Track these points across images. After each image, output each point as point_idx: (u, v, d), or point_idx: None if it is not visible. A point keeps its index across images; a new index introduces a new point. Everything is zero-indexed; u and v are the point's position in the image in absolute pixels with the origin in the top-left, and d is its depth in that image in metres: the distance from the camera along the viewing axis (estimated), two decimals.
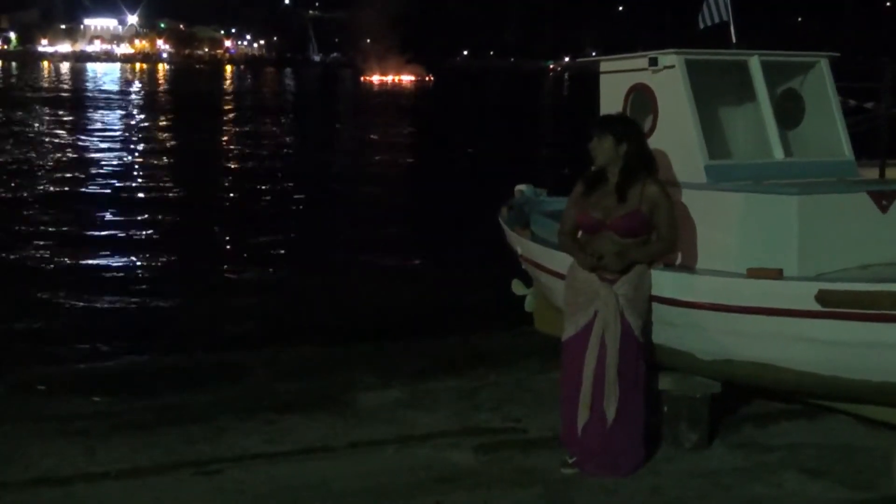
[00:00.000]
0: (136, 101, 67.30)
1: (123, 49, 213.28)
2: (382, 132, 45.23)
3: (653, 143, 6.42)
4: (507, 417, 6.98)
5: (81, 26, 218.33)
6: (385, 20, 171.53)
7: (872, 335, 5.47)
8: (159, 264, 15.57)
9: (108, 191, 23.92)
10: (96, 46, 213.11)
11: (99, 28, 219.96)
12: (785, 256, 5.88)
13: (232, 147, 36.80)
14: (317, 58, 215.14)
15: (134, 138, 38.68)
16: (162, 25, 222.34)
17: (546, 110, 70.51)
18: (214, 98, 73.08)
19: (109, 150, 33.50)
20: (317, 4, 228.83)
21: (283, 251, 17.16)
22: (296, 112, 59.90)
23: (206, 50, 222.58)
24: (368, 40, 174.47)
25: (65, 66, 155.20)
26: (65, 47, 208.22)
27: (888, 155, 6.88)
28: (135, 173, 27.57)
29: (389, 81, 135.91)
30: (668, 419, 6.33)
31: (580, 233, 6.07)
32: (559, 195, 8.80)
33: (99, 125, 44.61)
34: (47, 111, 52.38)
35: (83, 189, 24.02)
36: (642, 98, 6.88)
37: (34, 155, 31.26)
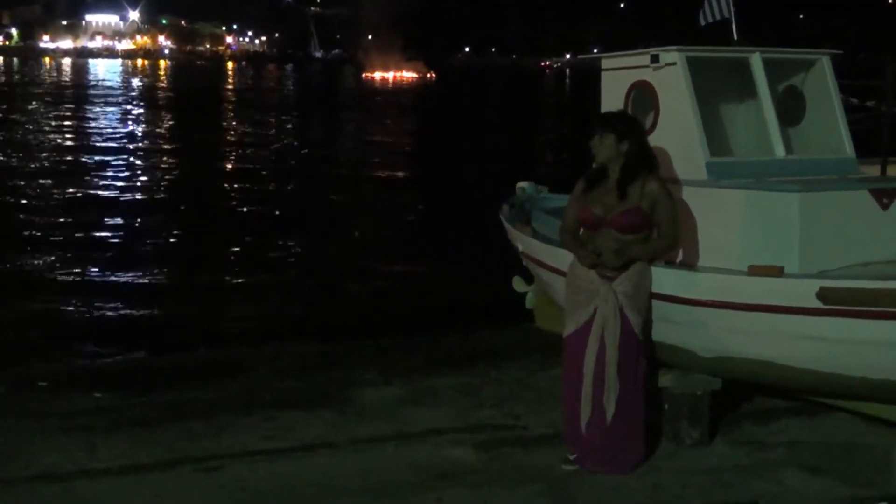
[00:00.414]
0: (136, 98, 67.29)
1: (125, 45, 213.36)
2: (383, 130, 45.22)
3: (654, 140, 6.42)
4: (508, 414, 6.98)
5: (83, 22, 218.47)
6: (387, 17, 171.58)
7: (873, 333, 5.47)
8: (160, 262, 15.57)
9: (109, 189, 23.92)
10: (98, 43, 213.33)
11: (100, 24, 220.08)
12: (786, 254, 5.88)
13: (233, 145, 36.78)
14: (318, 54, 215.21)
15: (134, 137, 38.69)
16: (163, 21, 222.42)
17: (547, 107, 70.46)
18: (216, 95, 73.06)
19: (110, 148, 33.49)
20: (318, 1, 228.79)
21: (283, 249, 17.17)
22: (297, 110, 59.90)
23: (208, 46, 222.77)
24: (370, 37, 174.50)
25: (66, 63, 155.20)
26: (66, 43, 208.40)
27: (889, 152, 6.88)
28: (135, 172, 27.57)
29: (391, 78, 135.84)
30: (669, 416, 6.33)
31: (581, 230, 6.07)
32: (560, 192, 8.81)
33: (99, 123, 44.62)
34: (47, 108, 52.36)
35: (84, 188, 24.02)
36: (643, 95, 6.87)
37: (34, 152, 31.31)
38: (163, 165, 29.21)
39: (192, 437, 6.47)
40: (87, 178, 25.71)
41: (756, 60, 6.82)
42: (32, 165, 27.89)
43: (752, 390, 6.86)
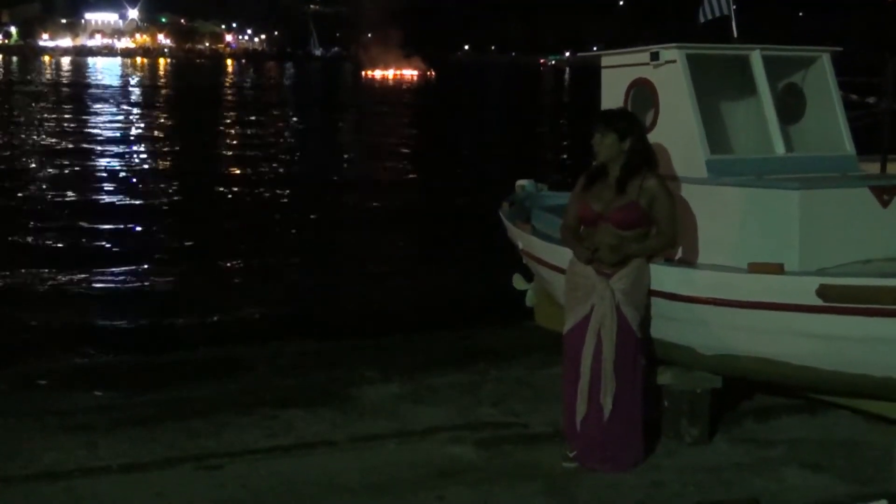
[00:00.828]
0: (136, 97, 67.26)
1: (124, 43, 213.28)
2: (383, 128, 45.20)
3: (654, 137, 6.42)
4: (508, 412, 6.98)
5: (82, 21, 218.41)
6: (386, 15, 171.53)
7: (874, 330, 5.47)
8: (160, 261, 15.55)
9: (109, 189, 23.88)
10: (97, 41, 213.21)
11: (100, 22, 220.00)
12: (786, 251, 5.88)
13: (233, 144, 36.74)
14: (318, 52, 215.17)
15: (133, 136, 38.64)
16: (163, 20, 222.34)
17: (546, 105, 70.45)
18: (215, 94, 73.06)
19: (109, 148, 33.43)
20: None
21: (283, 247, 17.15)
22: (296, 108, 59.85)
23: (207, 44, 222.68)
24: (369, 35, 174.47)
25: (66, 61, 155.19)
26: (65, 42, 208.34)
27: (889, 150, 6.88)
28: (135, 171, 27.52)
29: (391, 76, 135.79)
30: (669, 414, 6.33)
31: (581, 227, 6.08)
32: (560, 190, 8.82)
33: (98, 122, 44.56)
34: (46, 107, 52.37)
35: (83, 187, 23.96)
36: (643, 93, 6.87)
37: (34, 152, 31.27)
38: (162, 165, 29.19)
39: (193, 436, 6.48)
40: (86, 177, 25.67)
41: (756, 58, 6.82)
42: (31, 165, 27.87)
43: (752, 388, 6.87)
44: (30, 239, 16.90)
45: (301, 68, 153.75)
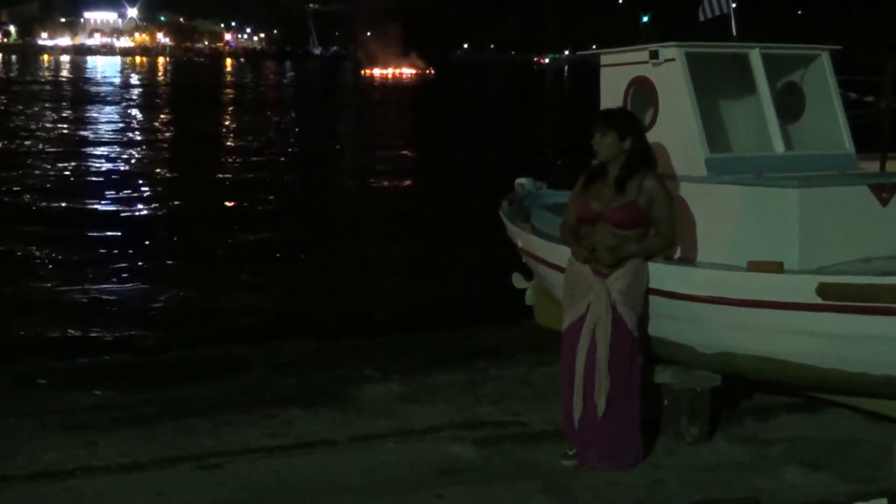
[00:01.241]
0: (135, 96, 67.23)
1: (123, 42, 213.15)
2: (382, 126, 45.21)
3: (653, 136, 6.42)
4: (508, 411, 6.98)
5: (81, 19, 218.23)
6: (385, 13, 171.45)
7: (873, 328, 5.48)
8: (160, 258, 15.57)
9: (109, 186, 23.88)
10: (96, 40, 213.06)
11: (99, 21, 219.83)
12: (786, 250, 5.88)
13: (232, 143, 36.79)
14: (317, 51, 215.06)
15: (133, 136, 38.62)
16: (162, 18, 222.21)
17: (544, 103, 70.44)
18: (215, 93, 73.02)
19: (109, 147, 33.45)
20: None
21: (282, 245, 17.15)
22: (296, 106, 59.84)
23: (206, 43, 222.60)
24: (369, 33, 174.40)
25: (65, 60, 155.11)
26: (65, 40, 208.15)
27: (889, 148, 6.88)
28: (134, 171, 27.54)
29: (390, 75, 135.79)
30: (669, 413, 6.33)
31: (581, 226, 6.08)
32: (560, 188, 8.82)
33: (97, 122, 44.57)
34: (47, 104, 52.37)
35: (83, 186, 23.98)
36: (643, 91, 6.87)
37: (33, 151, 31.27)
38: (161, 165, 29.15)
39: (193, 435, 6.47)
40: (86, 176, 25.69)
41: (755, 56, 6.82)
42: (30, 164, 27.85)
43: (751, 387, 6.87)
44: (29, 238, 16.87)
45: (300, 67, 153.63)
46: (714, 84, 7.16)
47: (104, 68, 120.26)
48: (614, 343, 5.77)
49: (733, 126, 7.45)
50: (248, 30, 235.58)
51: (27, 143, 33.17)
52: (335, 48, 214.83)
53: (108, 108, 51.79)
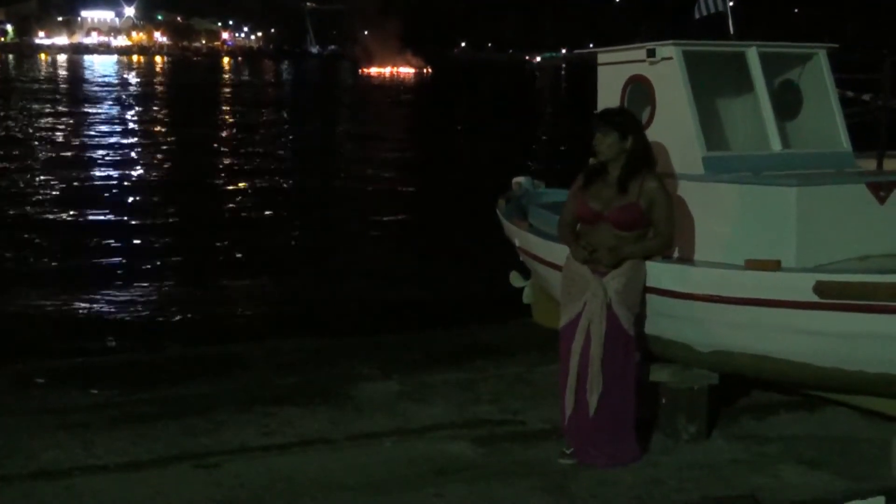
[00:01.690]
0: (133, 96, 67.18)
1: (121, 41, 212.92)
2: (380, 125, 45.21)
3: (651, 134, 6.42)
4: (506, 409, 6.98)
5: (78, 18, 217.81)
6: (383, 12, 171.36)
7: (870, 326, 5.48)
8: (158, 257, 15.57)
9: (108, 186, 23.90)
10: (93, 38, 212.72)
11: (96, 20, 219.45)
12: (783, 248, 5.89)
13: (230, 143, 36.77)
14: (314, 50, 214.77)
15: (131, 134, 38.63)
16: (159, 17, 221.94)
17: (543, 102, 70.45)
18: (212, 92, 72.98)
19: (107, 144, 33.49)
20: None
21: (281, 244, 17.16)
22: (293, 106, 59.83)
23: (204, 42, 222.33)
24: (366, 32, 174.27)
25: (62, 59, 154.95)
26: (62, 39, 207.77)
27: (886, 146, 6.89)
28: (132, 169, 27.54)
29: (388, 73, 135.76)
30: (667, 411, 6.33)
31: (579, 225, 6.08)
32: (557, 187, 8.82)
33: (97, 119, 44.56)
34: (45, 103, 52.33)
35: (81, 185, 23.99)
36: (640, 89, 6.87)
37: (32, 150, 31.26)
38: (160, 163, 29.19)
39: (191, 434, 6.47)
40: (84, 174, 25.69)
41: (752, 54, 6.83)
42: (29, 162, 27.85)
43: (749, 385, 6.88)
44: (26, 239, 16.87)
45: (298, 66, 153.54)
46: (711, 82, 7.16)
47: (102, 67, 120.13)
48: (608, 342, 5.77)
49: (731, 124, 7.45)
50: (246, 29, 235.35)
51: (23, 144, 33.12)
52: (333, 47, 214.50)
53: (105, 108, 51.75)
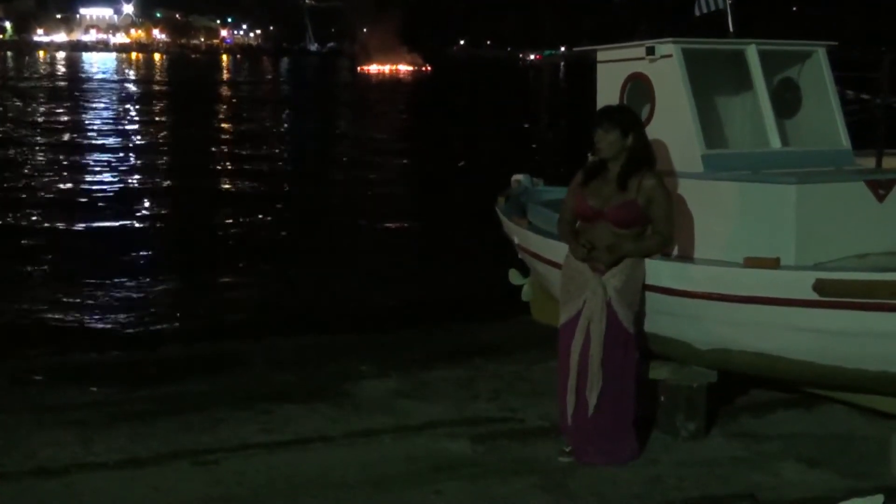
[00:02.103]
0: (131, 93, 67.16)
1: (119, 38, 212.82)
2: (379, 123, 45.19)
3: (650, 132, 6.41)
4: (505, 407, 6.98)
5: (77, 15, 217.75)
6: (381, 9, 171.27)
7: (870, 324, 5.48)
8: (157, 255, 15.57)
9: (106, 184, 23.88)
10: (92, 36, 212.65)
11: (94, 17, 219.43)
12: (782, 245, 5.88)
13: (229, 139, 36.78)
14: (313, 47, 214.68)
15: (129, 132, 38.59)
16: (158, 15, 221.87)
17: (541, 100, 70.47)
18: (211, 89, 72.97)
19: (106, 143, 33.45)
20: None
21: (280, 242, 17.16)
22: (293, 103, 59.82)
23: (203, 39, 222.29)
24: (365, 29, 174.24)
25: (60, 56, 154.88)
26: (60, 37, 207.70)
27: (886, 144, 6.89)
28: (131, 167, 27.51)
29: (387, 71, 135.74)
30: (666, 409, 6.33)
31: (578, 222, 6.08)
32: (556, 185, 8.81)
33: (95, 118, 44.54)
34: (41, 104, 52.32)
35: (80, 182, 23.96)
36: (639, 87, 6.87)
37: (30, 149, 31.24)
38: (158, 160, 29.14)
39: (189, 431, 6.47)
40: (83, 172, 25.67)
41: (752, 52, 6.82)
42: (27, 161, 27.83)
43: (748, 383, 6.87)
44: (25, 235, 16.87)
45: (297, 63, 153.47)
46: (711, 80, 7.16)
47: (100, 65, 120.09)
48: (608, 340, 5.77)
49: (730, 122, 7.45)
50: (245, 26, 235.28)
51: (22, 141, 33.11)
52: (331, 44, 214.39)
53: (103, 106, 51.72)
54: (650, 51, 6.69)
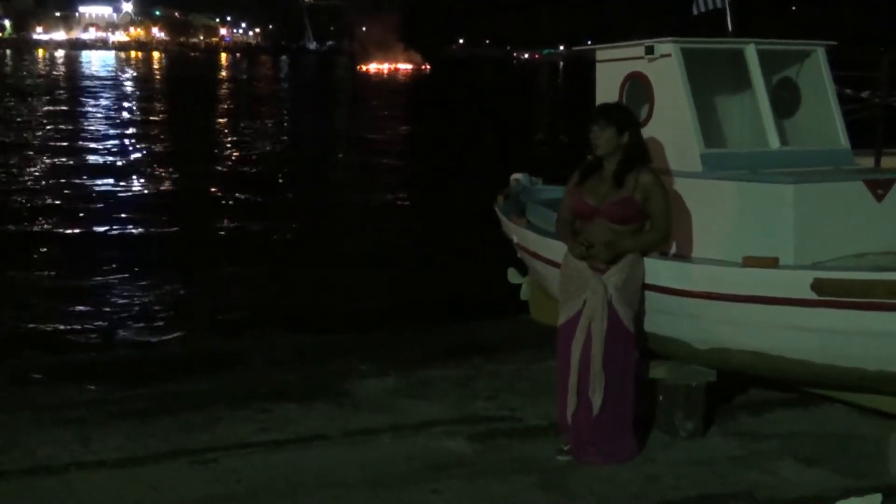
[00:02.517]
0: (130, 92, 67.12)
1: (118, 37, 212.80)
2: (378, 122, 45.18)
3: (649, 131, 6.42)
4: (503, 406, 6.98)
5: (76, 14, 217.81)
6: (381, 8, 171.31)
7: (868, 324, 5.48)
8: (155, 253, 15.56)
9: (104, 181, 23.88)
10: (91, 34, 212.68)
11: (94, 16, 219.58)
12: (781, 245, 5.89)
13: (228, 138, 36.77)
14: (312, 46, 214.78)
15: (128, 131, 38.58)
16: (157, 13, 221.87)
17: (540, 99, 70.46)
18: (210, 88, 72.94)
19: (105, 142, 33.45)
20: None
21: (278, 240, 17.16)
22: (292, 102, 59.80)
23: (202, 38, 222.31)
24: (364, 28, 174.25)
25: (60, 54, 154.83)
26: (59, 35, 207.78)
27: (884, 144, 6.89)
28: (130, 165, 27.52)
29: (386, 70, 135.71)
30: (664, 408, 6.33)
31: (576, 221, 6.08)
32: (555, 184, 8.82)
33: (94, 117, 44.51)
34: (42, 100, 52.30)
35: (78, 180, 23.97)
36: (638, 86, 6.87)
37: (29, 148, 31.23)
38: (155, 160, 29.15)
39: (187, 430, 6.47)
40: (82, 171, 25.67)
41: (751, 52, 6.82)
42: (26, 161, 27.81)
43: (746, 382, 6.87)
44: (24, 234, 16.87)
45: (296, 62, 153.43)
46: (709, 80, 7.16)
47: (99, 63, 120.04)
48: (609, 339, 5.77)
49: (729, 122, 7.45)
50: (244, 25, 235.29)
51: (22, 137, 33.10)
52: (330, 43, 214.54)
53: (101, 105, 51.70)
54: (649, 50, 6.68)
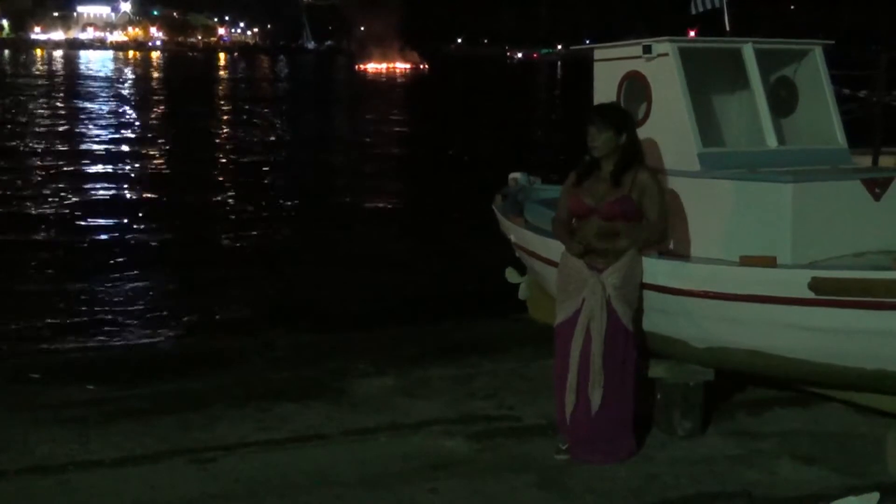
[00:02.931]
0: (129, 92, 67.09)
1: (116, 36, 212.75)
2: (376, 121, 45.17)
3: (646, 130, 6.42)
4: (502, 405, 6.98)
5: (74, 13, 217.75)
6: (379, 7, 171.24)
7: (866, 323, 5.48)
8: (154, 254, 15.56)
9: (103, 180, 23.87)
10: (89, 34, 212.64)
11: (92, 15, 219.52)
12: (778, 244, 5.89)
13: (227, 137, 36.75)
14: (310, 45, 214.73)
15: (127, 130, 38.57)
16: (155, 13, 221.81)
17: (539, 98, 70.45)
18: (209, 88, 72.91)
19: (101, 140, 33.44)
20: None
21: (277, 239, 17.15)
22: (290, 101, 59.77)
23: (200, 37, 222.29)
24: (362, 28, 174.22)
25: (58, 54, 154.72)
26: (58, 35, 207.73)
27: (882, 143, 6.89)
28: (129, 164, 27.50)
29: (384, 69, 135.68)
30: (662, 407, 6.34)
31: (574, 221, 6.09)
32: (553, 183, 8.82)
33: (93, 116, 44.49)
34: (41, 99, 52.27)
35: (78, 178, 23.96)
36: (636, 86, 6.87)
37: (28, 148, 31.20)
38: (156, 158, 29.15)
39: (186, 429, 6.47)
40: (81, 170, 25.66)
41: (748, 51, 6.82)
42: (26, 161, 27.80)
43: (744, 381, 6.88)
44: (22, 233, 16.85)
45: (294, 62, 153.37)
46: (707, 79, 7.16)
47: (97, 63, 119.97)
48: (609, 338, 5.78)
49: (726, 121, 7.45)
50: (242, 24, 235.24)
51: (20, 138, 33.09)
52: (329, 42, 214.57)
53: (100, 104, 51.68)
54: (647, 49, 6.69)
